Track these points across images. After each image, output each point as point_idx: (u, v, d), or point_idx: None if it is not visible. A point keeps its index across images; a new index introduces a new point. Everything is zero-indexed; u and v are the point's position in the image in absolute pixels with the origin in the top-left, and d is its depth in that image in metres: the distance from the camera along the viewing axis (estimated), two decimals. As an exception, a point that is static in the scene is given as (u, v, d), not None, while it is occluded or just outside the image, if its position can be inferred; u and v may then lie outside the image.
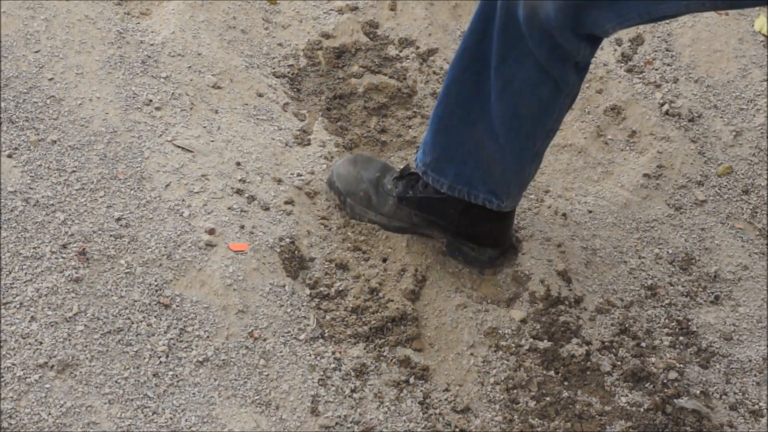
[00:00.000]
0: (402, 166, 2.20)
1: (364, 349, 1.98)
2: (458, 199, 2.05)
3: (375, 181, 2.15)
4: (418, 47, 2.55)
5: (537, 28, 1.76)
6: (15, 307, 1.89)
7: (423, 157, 2.04)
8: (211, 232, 2.06)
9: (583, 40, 1.78)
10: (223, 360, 1.90)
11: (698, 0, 1.65)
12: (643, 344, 2.07)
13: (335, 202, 2.18)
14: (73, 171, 2.11)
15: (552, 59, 1.80)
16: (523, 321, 2.07)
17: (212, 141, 2.23)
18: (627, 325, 2.10)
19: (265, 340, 1.94)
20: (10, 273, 1.93)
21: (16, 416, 1.76)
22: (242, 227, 2.08)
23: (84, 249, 1.98)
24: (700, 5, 1.67)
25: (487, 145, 1.95)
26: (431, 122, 2.01)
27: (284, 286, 2.03)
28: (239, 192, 2.15)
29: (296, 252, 2.08)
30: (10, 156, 2.10)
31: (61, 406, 1.79)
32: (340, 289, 2.05)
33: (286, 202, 2.16)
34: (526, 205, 2.29)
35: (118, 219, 2.04)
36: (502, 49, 1.83)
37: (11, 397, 1.78)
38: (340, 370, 1.93)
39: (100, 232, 2.02)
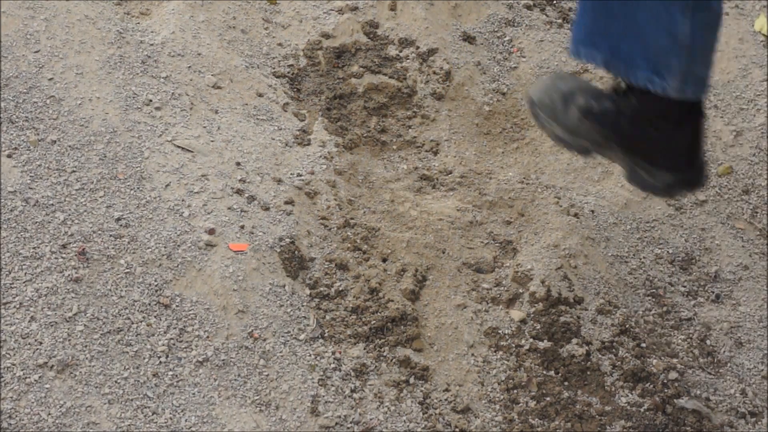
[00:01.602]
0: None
1: (364, 349, 1.98)
2: (630, 101, 1.89)
3: (567, 94, 2.01)
4: (418, 47, 2.55)
5: None
6: (15, 307, 1.89)
7: (575, 35, 1.88)
8: (211, 232, 2.06)
9: None
10: (223, 360, 1.90)
11: None
12: (644, 344, 2.07)
13: (531, 114, 2.08)
14: (73, 171, 2.11)
15: None
16: (523, 321, 2.07)
17: (212, 141, 2.23)
18: (627, 326, 2.10)
19: (265, 340, 1.94)
20: (10, 273, 1.93)
21: (16, 416, 1.76)
22: (242, 227, 2.08)
23: (84, 249, 1.98)
24: None
25: (639, 12, 1.78)
26: (579, 3, 1.87)
27: (284, 286, 2.02)
28: (239, 192, 2.15)
29: (296, 252, 2.08)
30: (9, 156, 2.10)
31: (61, 406, 1.79)
32: (340, 289, 2.05)
33: (286, 202, 2.16)
34: (528, 205, 2.29)
35: (118, 219, 2.04)
36: None
37: (11, 397, 1.78)
38: (340, 370, 1.93)
39: (99, 232, 2.02)
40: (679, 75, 1.81)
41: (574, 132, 2.01)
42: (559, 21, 2.68)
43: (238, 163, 2.20)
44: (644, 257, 2.23)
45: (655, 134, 1.88)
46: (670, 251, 2.26)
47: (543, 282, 2.12)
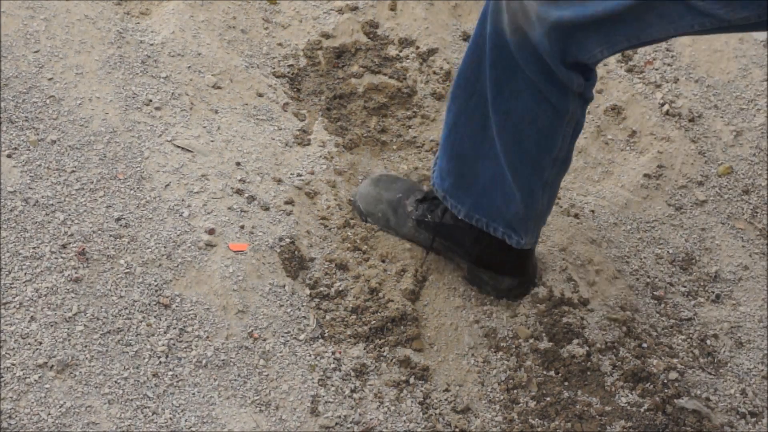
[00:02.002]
0: (426, 188, 2.17)
1: (364, 349, 1.98)
2: (473, 228, 2.02)
3: (395, 203, 2.13)
4: (418, 47, 2.55)
5: (529, 54, 1.74)
6: (15, 307, 1.89)
7: (441, 183, 2.01)
8: (211, 232, 2.06)
9: (573, 70, 1.75)
10: (223, 360, 1.90)
11: (686, 22, 1.62)
12: (644, 345, 2.07)
13: (359, 221, 2.17)
14: (73, 171, 2.11)
15: (550, 86, 1.77)
16: (524, 322, 2.07)
17: (212, 141, 2.23)
18: (627, 326, 2.09)
19: (265, 340, 1.94)
20: (10, 273, 1.93)
21: (16, 416, 1.76)
22: (242, 227, 2.08)
23: (84, 249, 1.98)
24: (689, 28, 1.64)
25: (500, 178, 1.92)
26: (443, 146, 1.97)
27: (284, 286, 2.02)
28: (239, 192, 2.15)
29: (296, 252, 2.08)
30: (9, 156, 2.10)
31: (60, 406, 1.79)
32: (340, 289, 2.05)
33: (286, 202, 2.16)
34: (526, 205, 2.29)
35: (118, 219, 2.04)
36: (497, 81, 1.80)
37: (11, 397, 1.78)
38: (340, 370, 1.93)
39: (99, 232, 2.02)
40: (534, 234, 2.00)
41: (413, 239, 2.12)
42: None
43: (238, 163, 2.20)
44: (645, 257, 2.23)
45: (498, 257, 2.04)
46: (670, 251, 2.26)
47: (544, 283, 2.12)
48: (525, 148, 1.86)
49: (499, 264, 2.06)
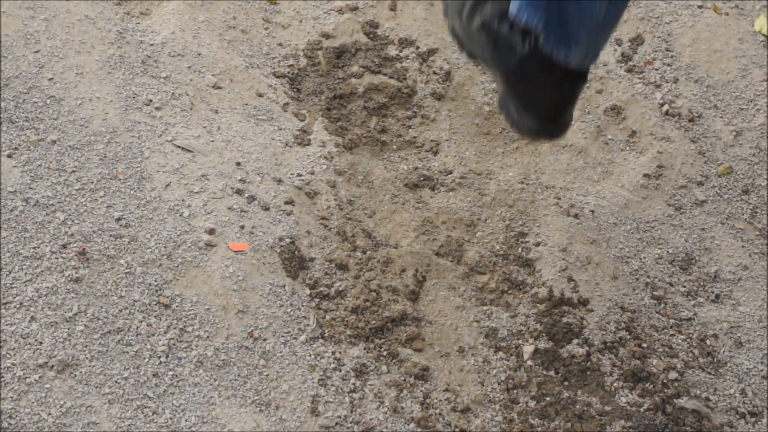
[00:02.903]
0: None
1: (364, 349, 1.98)
2: (527, 47, 1.89)
3: (477, 2, 1.99)
4: (418, 47, 2.55)
5: None
6: (15, 307, 1.89)
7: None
8: (211, 232, 2.06)
9: None
10: (223, 360, 1.90)
11: None
12: (644, 345, 2.07)
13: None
14: (73, 171, 2.11)
15: None
16: (524, 322, 2.07)
17: (212, 141, 2.23)
18: (628, 326, 2.10)
19: (265, 340, 1.94)
20: (10, 273, 1.93)
21: (16, 416, 1.76)
22: (242, 227, 2.08)
23: (84, 249, 1.98)
24: None
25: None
26: None
27: (284, 286, 2.03)
28: (239, 192, 2.15)
29: (296, 252, 2.08)
30: (10, 156, 2.10)
31: (61, 406, 1.79)
32: (340, 289, 2.05)
33: (286, 202, 2.16)
34: (528, 205, 2.29)
35: (118, 219, 2.04)
36: None
37: (11, 397, 1.78)
38: (340, 370, 1.93)
39: (100, 232, 2.02)
40: (584, 50, 1.84)
41: (470, 37, 2.00)
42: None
43: (238, 163, 2.20)
44: (644, 258, 2.23)
45: (536, 83, 1.90)
46: (670, 251, 2.26)
47: (544, 283, 2.12)
48: None
49: (529, 96, 1.93)
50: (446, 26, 2.07)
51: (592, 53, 1.88)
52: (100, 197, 2.08)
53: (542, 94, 1.93)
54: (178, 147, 2.20)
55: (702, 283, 2.22)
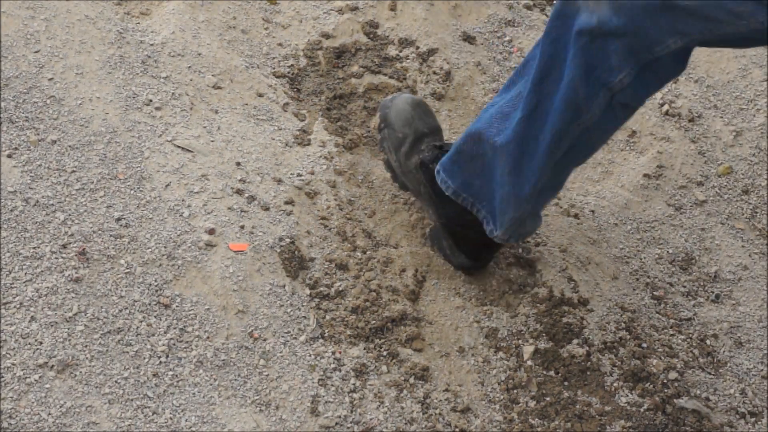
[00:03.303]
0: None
1: (364, 349, 1.98)
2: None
3: (419, 134, 2.13)
4: (418, 47, 2.55)
5: (587, 33, 1.69)
6: (15, 307, 1.89)
7: (444, 157, 2.04)
8: (211, 232, 2.06)
9: (629, 59, 1.70)
10: (223, 360, 1.90)
11: (759, 18, 1.59)
12: (644, 345, 2.07)
13: (375, 124, 2.16)
14: (73, 171, 2.11)
15: (585, 77, 1.73)
16: (524, 322, 2.07)
17: (212, 141, 2.23)
18: (628, 326, 2.10)
19: (265, 340, 1.94)
20: (10, 273, 1.93)
21: (16, 416, 1.76)
22: (242, 227, 2.08)
23: (84, 249, 1.98)
24: (759, 25, 1.60)
25: (498, 166, 1.92)
26: (471, 124, 1.99)
27: (284, 286, 2.03)
28: (239, 192, 2.15)
29: (296, 252, 2.08)
30: (10, 156, 2.10)
31: (61, 406, 1.79)
32: (340, 289, 2.05)
33: (286, 202, 2.16)
34: (526, 205, 2.29)
35: (118, 219, 2.04)
36: (546, 63, 1.78)
37: (11, 397, 1.78)
38: (340, 370, 1.93)
39: (100, 232, 2.02)
40: (509, 232, 1.99)
41: (404, 171, 2.13)
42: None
43: (238, 163, 2.20)
44: (644, 257, 2.23)
45: (466, 234, 2.07)
46: (670, 251, 2.26)
47: (544, 283, 2.12)
48: (534, 144, 1.85)
49: (462, 239, 2.08)
50: (381, 155, 2.19)
51: (517, 236, 2.01)
52: (100, 197, 2.08)
53: (473, 239, 2.07)
54: (178, 147, 2.20)
55: (702, 283, 2.21)
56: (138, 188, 2.10)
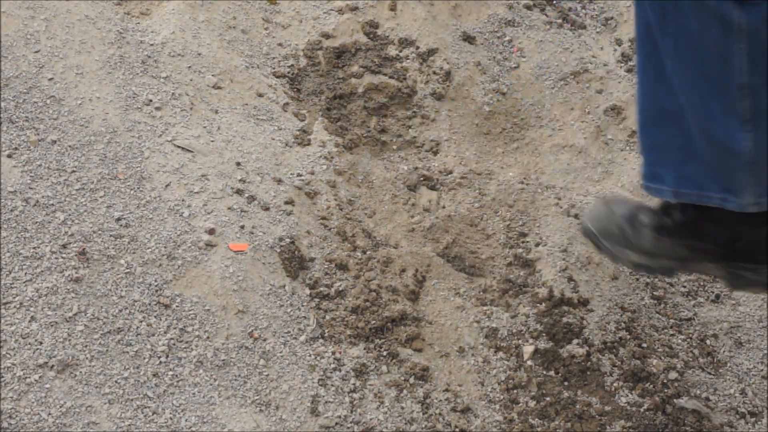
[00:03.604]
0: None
1: (364, 349, 1.98)
2: (717, 213, 1.74)
3: (629, 216, 1.90)
4: (418, 47, 2.55)
5: None
6: (15, 307, 1.89)
7: (641, 168, 1.78)
8: (211, 232, 2.06)
9: None
10: (223, 360, 1.90)
11: None
12: (644, 345, 2.07)
13: (594, 250, 1.97)
14: (73, 171, 2.11)
15: None
16: (524, 322, 2.07)
17: (212, 141, 2.23)
18: (628, 326, 2.10)
19: (265, 340, 1.94)
20: (10, 273, 1.93)
21: (16, 416, 1.76)
22: (242, 227, 2.08)
23: (84, 249, 1.98)
24: None
25: (694, 131, 1.64)
26: (638, 129, 1.77)
27: (284, 286, 2.03)
28: (239, 192, 2.15)
29: (296, 252, 2.08)
30: (10, 156, 2.10)
31: (61, 406, 1.79)
32: (340, 289, 2.05)
33: (286, 202, 2.16)
34: (529, 206, 2.28)
35: (118, 219, 2.04)
36: (656, 4, 1.58)
37: (11, 397, 1.78)
38: (340, 370, 1.93)
39: (100, 232, 2.02)
40: (753, 190, 1.65)
41: (653, 253, 1.87)
42: (559, 21, 2.68)
43: (238, 163, 2.20)
44: (644, 257, 2.24)
45: (748, 239, 1.77)
46: (670, 251, 2.26)
47: (544, 283, 2.12)
48: (704, 79, 1.59)
49: (753, 248, 1.78)
50: (621, 264, 1.96)
51: (753, 188, 1.65)
52: (100, 197, 2.08)
53: (755, 239, 1.77)
54: (178, 147, 2.20)
55: (702, 283, 2.21)
56: (138, 188, 2.10)
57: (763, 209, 1.67)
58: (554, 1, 2.77)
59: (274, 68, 2.47)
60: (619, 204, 1.93)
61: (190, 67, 2.37)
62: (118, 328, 1.90)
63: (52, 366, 1.83)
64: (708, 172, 1.68)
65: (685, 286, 2.20)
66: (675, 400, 1.98)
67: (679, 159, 1.71)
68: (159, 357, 1.88)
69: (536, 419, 1.93)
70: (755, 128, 1.59)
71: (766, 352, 2.11)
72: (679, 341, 2.10)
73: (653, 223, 1.85)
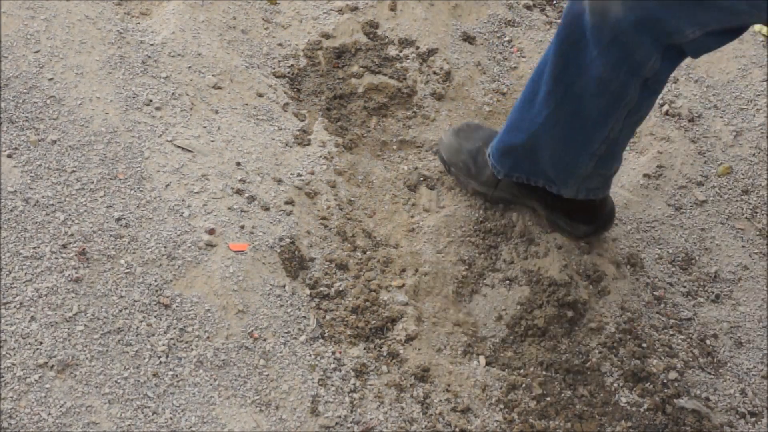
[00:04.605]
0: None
1: (364, 349, 1.98)
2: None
3: (474, 152, 2.19)
4: (418, 47, 2.55)
5: (606, 32, 1.75)
6: (15, 307, 1.89)
7: (493, 144, 2.12)
8: (211, 232, 2.06)
9: (655, 49, 1.75)
10: (223, 360, 1.90)
11: None
12: (644, 345, 2.07)
13: (443, 169, 2.24)
14: (73, 171, 2.11)
15: (615, 70, 1.79)
16: (524, 320, 2.07)
17: (212, 141, 2.23)
18: (628, 326, 2.10)
19: (265, 340, 1.94)
20: (10, 273, 1.93)
21: (16, 416, 1.76)
22: (242, 227, 2.08)
23: (84, 249, 1.98)
24: None
25: (543, 143, 1.98)
26: (509, 115, 2.06)
27: (284, 286, 2.03)
28: (239, 192, 2.15)
29: (296, 252, 2.08)
30: (10, 156, 2.10)
31: (61, 406, 1.79)
32: (340, 289, 2.05)
33: (286, 202, 2.16)
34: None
35: (118, 219, 2.04)
36: (564, 55, 1.84)
37: (11, 397, 1.78)
38: (340, 370, 1.93)
39: (100, 232, 2.02)
40: (574, 188, 2.05)
41: (491, 185, 2.18)
42: (559, 21, 2.68)
43: (238, 163, 2.20)
44: (645, 258, 2.23)
45: (569, 203, 2.11)
46: (670, 251, 2.26)
47: (544, 282, 2.12)
48: (578, 122, 1.90)
49: (572, 209, 2.12)
50: (465, 190, 2.25)
51: (584, 190, 2.06)
52: (100, 197, 2.08)
53: (580, 206, 2.11)
54: (178, 147, 2.20)
55: (702, 283, 2.21)
56: (138, 188, 2.10)
57: (577, 198, 2.07)
58: (554, 1, 2.77)
59: (274, 68, 2.47)
60: (466, 137, 2.21)
61: (190, 67, 2.37)
62: (118, 328, 1.90)
63: (52, 366, 1.83)
64: (540, 171, 2.05)
65: (685, 286, 2.20)
66: (675, 400, 1.98)
67: (520, 155, 2.05)
68: (159, 357, 1.88)
69: (536, 419, 1.93)
70: (598, 160, 1.97)
71: (766, 352, 2.11)
72: (679, 341, 2.10)
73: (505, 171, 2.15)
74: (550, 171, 2.04)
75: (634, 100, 1.85)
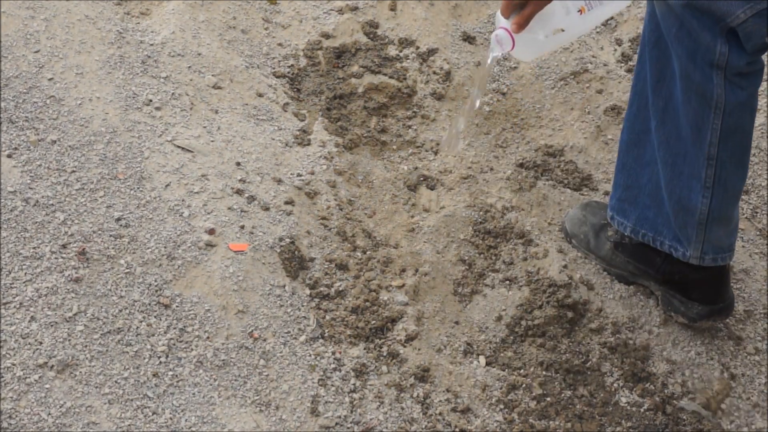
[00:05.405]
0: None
1: (364, 349, 1.98)
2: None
3: (597, 227, 2.14)
4: (418, 47, 2.55)
5: (672, 19, 1.69)
6: (15, 307, 1.89)
7: (611, 199, 2.06)
8: (211, 232, 2.06)
9: (717, 33, 1.68)
10: (223, 360, 1.90)
11: None
12: (644, 345, 2.07)
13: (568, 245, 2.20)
14: (73, 171, 2.11)
15: (690, 59, 1.71)
16: (524, 321, 2.07)
17: (212, 141, 2.23)
18: (628, 326, 2.10)
19: (265, 340, 1.94)
20: (10, 273, 1.93)
21: (16, 416, 1.76)
22: (242, 227, 2.08)
23: (84, 249, 1.98)
24: None
25: (663, 183, 1.89)
26: (617, 158, 2.00)
27: (284, 286, 2.03)
28: (239, 192, 2.15)
29: (296, 252, 2.08)
30: (10, 156, 2.10)
31: (61, 406, 1.79)
32: (340, 289, 2.05)
33: (286, 202, 2.16)
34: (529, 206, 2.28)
35: (118, 219, 2.04)
36: (656, 66, 1.78)
37: (11, 397, 1.78)
38: (340, 370, 1.93)
39: (100, 232, 2.02)
40: (698, 245, 1.93)
41: (609, 262, 2.14)
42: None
43: (238, 163, 2.20)
44: (644, 257, 2.24)
45: (685, 279, 2.02)
46: (670, 251, 2.26)
47: (544, 282, 2.12)
48: (679, 144, 1.82)
49: (687, 287, 2.03)
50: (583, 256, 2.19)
51: (711, 250, 1.94)
52: (100, 197, 2.08)
53: (695, 280, 2.02)
54: (178, 147, 2.21)
55: (702, 283, 2.22)
56: (138, 188, 2.10)
57: (703, 264, 1.96)
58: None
59: (274, 68, 2.47)
60: (593, 212, 2.18)
61: (190, 67, 2.37)
62: (118, 328, 1.90)
63: (52, 366, 1.83)
64: (666, 221, 1.95)
65: (685, 286, 2.20)
66: (675, 400, 1.98)
67: (645, 203, 1.97)
68: (159, 357, 1.88)
69: (536, 419, 1.93)
70: (712, 195, 1.85)
71: (766, 352, 2.11)
72: (680, 341, 2.10)
73: (613, 238, 2.11)
74: (672, 217, 1.93)
75: (721, 98, 1.74)
